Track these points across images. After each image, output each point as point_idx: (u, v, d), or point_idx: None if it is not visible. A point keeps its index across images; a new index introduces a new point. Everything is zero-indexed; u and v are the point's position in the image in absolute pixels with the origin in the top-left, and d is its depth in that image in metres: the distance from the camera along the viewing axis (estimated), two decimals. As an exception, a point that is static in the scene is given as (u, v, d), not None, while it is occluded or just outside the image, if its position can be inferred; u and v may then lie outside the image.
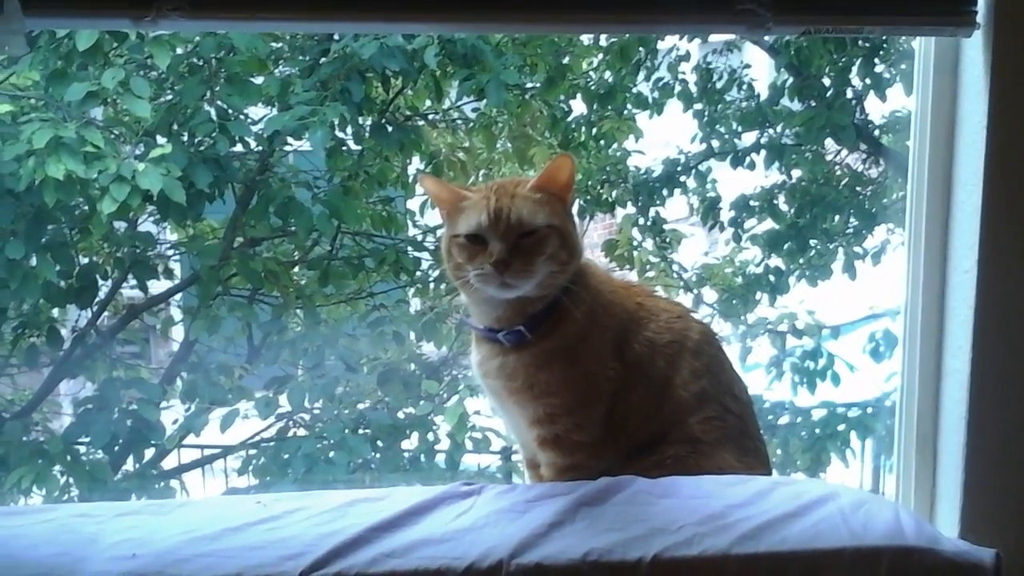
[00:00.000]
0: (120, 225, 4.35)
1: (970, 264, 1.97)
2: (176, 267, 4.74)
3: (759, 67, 5.48)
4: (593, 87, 5.11)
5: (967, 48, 1.94)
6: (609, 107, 5.08)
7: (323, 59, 4.18)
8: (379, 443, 4.56)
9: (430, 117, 4.99)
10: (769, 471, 2.11)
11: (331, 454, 4.39)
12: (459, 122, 5.15)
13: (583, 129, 5.14)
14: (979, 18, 1.89)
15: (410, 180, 4.89)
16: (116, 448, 4.34)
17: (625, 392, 2.00)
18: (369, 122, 4.38)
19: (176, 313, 4.78)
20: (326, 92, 4.12)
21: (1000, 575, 1.82)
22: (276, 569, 1.66)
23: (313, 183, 4.41)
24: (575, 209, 2.48)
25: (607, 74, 5.12)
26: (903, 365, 2.19)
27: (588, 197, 5.14)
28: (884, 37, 4.42)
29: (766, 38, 4.86)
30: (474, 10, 1.93)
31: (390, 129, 4.38)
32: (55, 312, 4.38)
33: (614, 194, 5.21)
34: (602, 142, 5.21)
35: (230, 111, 4.17)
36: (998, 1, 1.87)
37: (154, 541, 1.73)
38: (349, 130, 4.34)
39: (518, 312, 1.96)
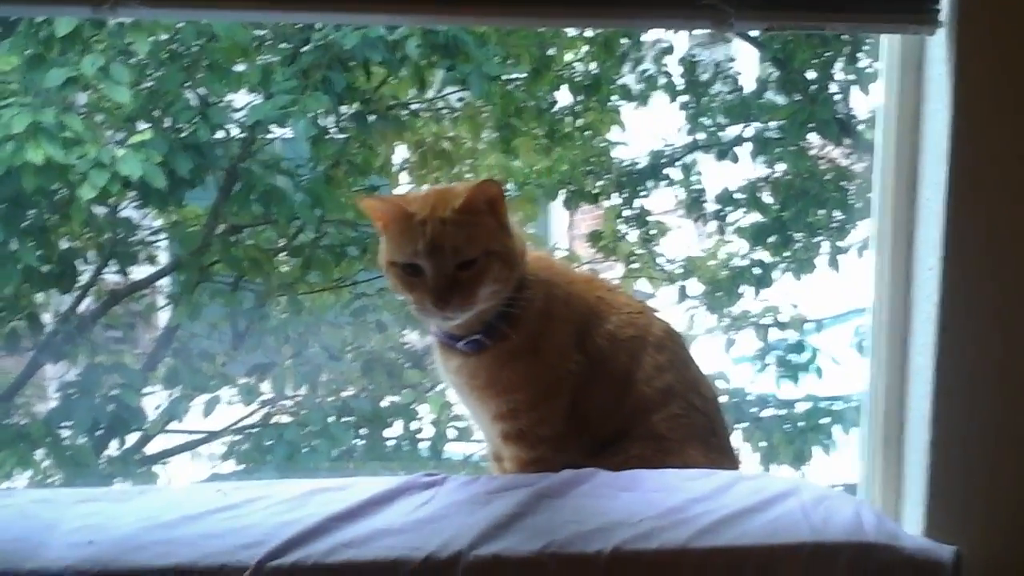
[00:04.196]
0: (103, 211, 4.33)
1: (934, 261, 1.98)
2: (163, 254, 4.73)
3: (746, 60, 5.47)
4: (578, 78, 5.09)
5: (931, 46, 1.95)
6: (594, 98, 5.06)
7: (304, 48, 4.16)
8: (362, 431, 4.57)
9: (414, 107, 4.97)
10: (738, 467, 2.12)
11: (314, 442, 4.39)
12: (444, 111, 5.14)
13: (568, 120, 5.12)
14: (942, 16, 1.89)
15: (394, 169, 4.89)
16: (98, 433, 4.33)
17: (587, 385, 2.00)
18: (351, 111, 4.35)
19: (160, 299, 4.77)
20: (308, 81, 4.11)
21: (960, 573, 1.82)
22: (232, 558, 1.66)
23: (296, 171, 4.40)
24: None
25: (592, 65, 5.11)
26: (871, 362, 2.20)
27: (573, 188, 5.13)
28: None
29: (734, 33, 4.84)
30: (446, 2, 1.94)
31: (372, 118, 4.36)
32: (37, 297, 4.37)
33: (598, 185, 5.19)
34: (587, 133, 5.20)
35: (211, 98, 4.16)
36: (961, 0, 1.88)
37: (112, 528, 1.73)
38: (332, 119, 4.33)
39: (473, 322, 1.95)
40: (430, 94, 4.79)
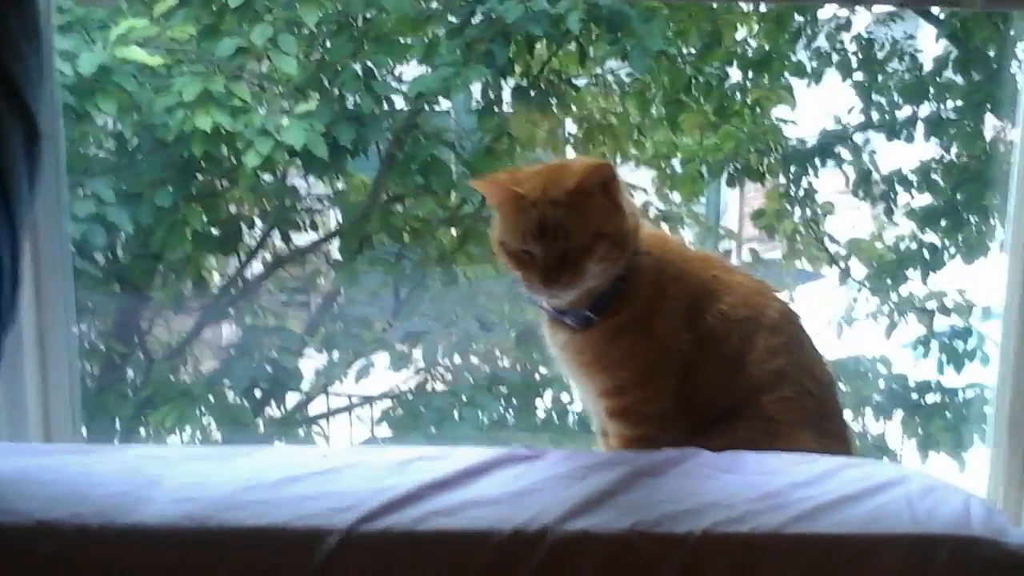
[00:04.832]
0: (269, 179, 4.44)
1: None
2: (331, 221, 4.84)
3: (925, 39, 5.33)
4: (750, 55, 5.03)
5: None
6: (764, 75, 4.99)
7: (470, 20, 4.21)
8: (513, 401, 4.61)
9: (582, 81, 4.97)
10: (853, 454, 2.08)
11: (464, 410, 4.45)
12: (614, 86, 5.12)
13: (737, 96, 5.06)
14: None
15: (565, 143, 4.90)
16: (257, 393, 4.46)
17: (696, 365, 1.99)
18: (512, 85, 4.38)
19: (323, 266, 4.88)
20: (471, 54, 4.15)
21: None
22: (325, 520, 1.70)
23: (459, 143, 4.46)
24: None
25: (763, 42, 5.04)
26: (1000, 354, 2.15)
27: (738, 166, 5.07)
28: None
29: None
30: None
31: (532, 93, 4.38)
32: (207, 260, 4.52)
33: (765, 163, 5.11)
34: (758, 110, 5.13)
35: (376, 69, 4.24)
36: None
37: (214, 486, 1.78)
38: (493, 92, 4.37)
39: (582, 297, 1.95)
40: (597, 69, 4.80)
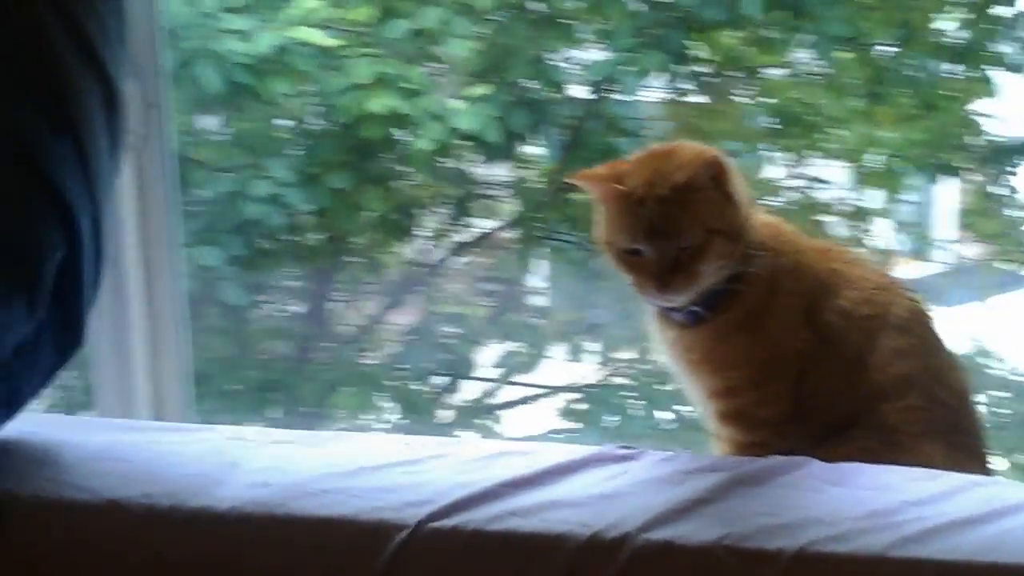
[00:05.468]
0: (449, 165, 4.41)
1: None
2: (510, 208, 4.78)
3: None
4: (950, 44, 4.77)
5: None
6: (964, 66, 4.73)
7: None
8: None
9: (775, 71, 4.80)
10: (987, 472, 1.91)
11: (639, 407, 4.35)
12: (810, 76, 4.94)
13: (937, 89, 4.80)
14: None
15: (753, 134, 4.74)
16: (434, 380, 4.45)
17: (815, 366, 1.85)
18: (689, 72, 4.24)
19: (502, 253, 4.83)
20: (646, 39, 4.03)
21: None
22: (395, 514, 1.63)
23: (638, 131, 4.35)
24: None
25: (966, 31, 4.77)
26: None
27: (934, 161, 4.82)
28: None
29: None
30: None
31: (713, 81, 4.24)
32: (383, 245, 4.52)
33: (962, 159, 4.85)
34: (955, 104, 4.87)
35: (551, 55, 4.16)
36: None
37: (293, 472, 1.73)
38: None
39: None
40: (786, 57, 4.62)
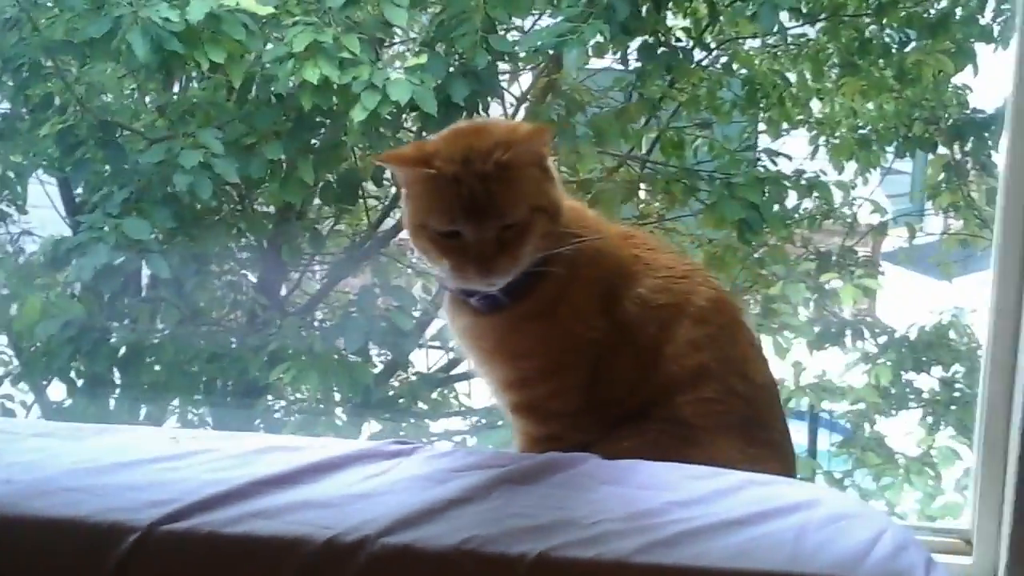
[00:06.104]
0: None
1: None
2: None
3: None
4: (927, 16, 4.60)
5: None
6: (944, 39, 4.56)
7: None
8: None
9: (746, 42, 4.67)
10: (789, 470, 1.81)
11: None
12: (787, 47, 4.79)
13: (910, 60, 4.63)
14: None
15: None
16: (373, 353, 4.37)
17: (610, 356, 1.76)
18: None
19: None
20: (592, 9, 3.90)
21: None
22: (131, 515, 1.54)
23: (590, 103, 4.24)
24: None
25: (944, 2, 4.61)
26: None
27: (906, 135, 4.67)
28: None
29: None
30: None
31: (659, 51, 4.11)
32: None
33: (931, 131, 4.69)
34: (937, 75, 4.70)
35: (496, 23, 4.03)
36: None
37: (42, 468, 1.66)
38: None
39: None
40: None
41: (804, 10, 4.48)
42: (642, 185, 4.47)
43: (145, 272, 4.27)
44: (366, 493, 1.60)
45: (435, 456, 1.72)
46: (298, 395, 4.41)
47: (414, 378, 4.54)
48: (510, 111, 4.35)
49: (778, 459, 1.79)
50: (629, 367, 1.77)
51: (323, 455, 1.68)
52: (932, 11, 4.63)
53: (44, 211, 4.46)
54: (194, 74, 4.13)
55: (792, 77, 4.72)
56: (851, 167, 4.81)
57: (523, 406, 1.81)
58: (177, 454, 1.71)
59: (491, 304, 1.76)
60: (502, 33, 4.09)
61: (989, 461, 2.27)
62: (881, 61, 4.70)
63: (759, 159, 4.44)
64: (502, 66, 4.24)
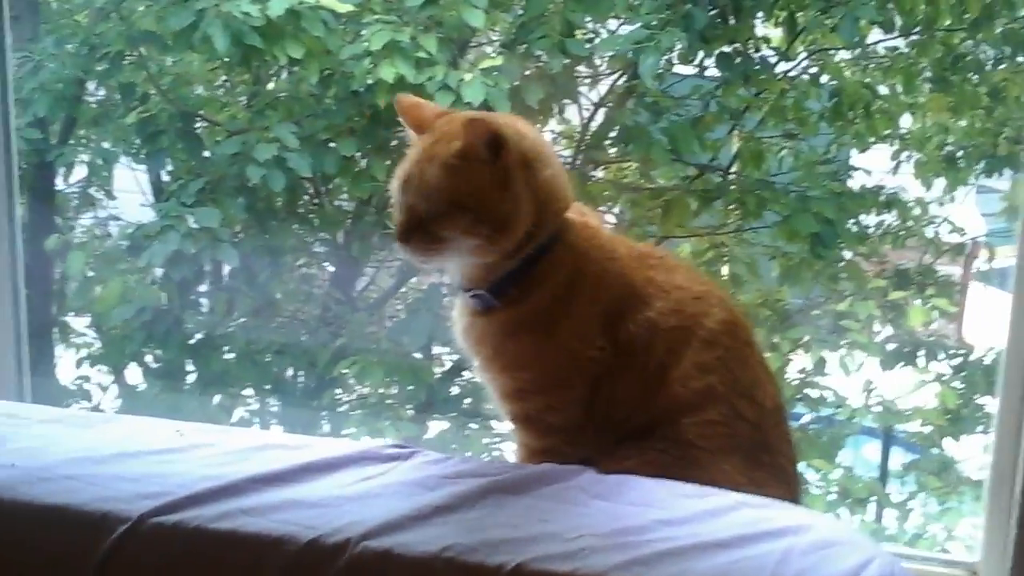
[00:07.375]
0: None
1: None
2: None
3: None
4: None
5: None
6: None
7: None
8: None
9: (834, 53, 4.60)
10: (794, 495, 1.78)
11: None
12: (880, 60, 4.72)
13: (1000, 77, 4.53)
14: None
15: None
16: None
17: (612, 376, 1.75)
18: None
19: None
20: (671, 16, 3.88)
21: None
22: (124, 506, 1.58)
23: (669, 110, 4.21)
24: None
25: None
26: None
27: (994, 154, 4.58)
28: None
29: None
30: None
31: (737, 60, 4.06)
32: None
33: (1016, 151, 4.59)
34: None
35: (575, 28, 4.02)
36: None
37: (46, 454, 1.70)
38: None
39: (482, 274, 1.76)
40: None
41: (897, 23, 4.32)
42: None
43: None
44: (356, 495, 1.62)
45: (430, 462, 1.72)
46: (365, 390, 4.41)
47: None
48: (586, 116, 4.31)
49: (782, 483, 1.76)
50: (633, 387, 1.76)
51: (320, 455, 1.70)
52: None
53: (133, 196, 4.53)
54: (281, 68, 4.12)
55: (883, 90, 4.64)
56: (939, 184, 4.70)
57: (522, 417, 1.81)
58: (178, 447, 1.74)
59: (483, 303, 1.79)
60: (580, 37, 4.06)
61: (997, 492, 2.22)
62: (975, 77, 4.62)
63: (840, 172, 4.35)
64: (581, 70, 4.19)
